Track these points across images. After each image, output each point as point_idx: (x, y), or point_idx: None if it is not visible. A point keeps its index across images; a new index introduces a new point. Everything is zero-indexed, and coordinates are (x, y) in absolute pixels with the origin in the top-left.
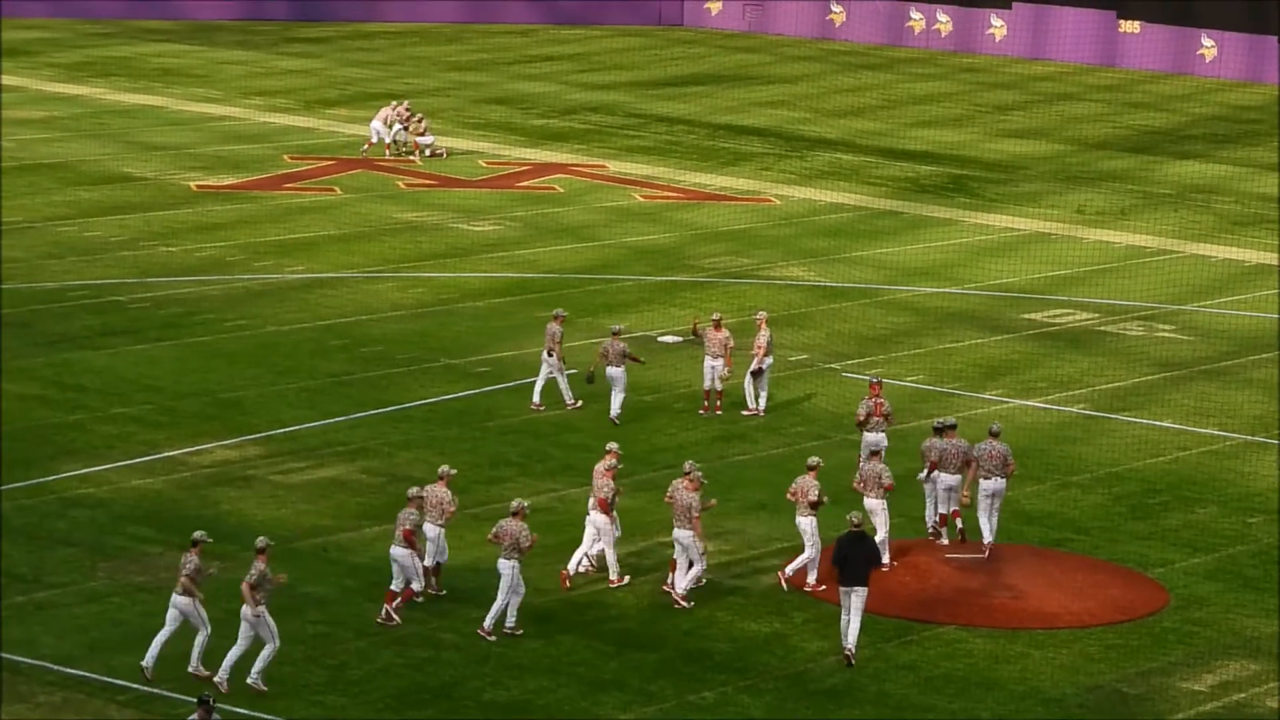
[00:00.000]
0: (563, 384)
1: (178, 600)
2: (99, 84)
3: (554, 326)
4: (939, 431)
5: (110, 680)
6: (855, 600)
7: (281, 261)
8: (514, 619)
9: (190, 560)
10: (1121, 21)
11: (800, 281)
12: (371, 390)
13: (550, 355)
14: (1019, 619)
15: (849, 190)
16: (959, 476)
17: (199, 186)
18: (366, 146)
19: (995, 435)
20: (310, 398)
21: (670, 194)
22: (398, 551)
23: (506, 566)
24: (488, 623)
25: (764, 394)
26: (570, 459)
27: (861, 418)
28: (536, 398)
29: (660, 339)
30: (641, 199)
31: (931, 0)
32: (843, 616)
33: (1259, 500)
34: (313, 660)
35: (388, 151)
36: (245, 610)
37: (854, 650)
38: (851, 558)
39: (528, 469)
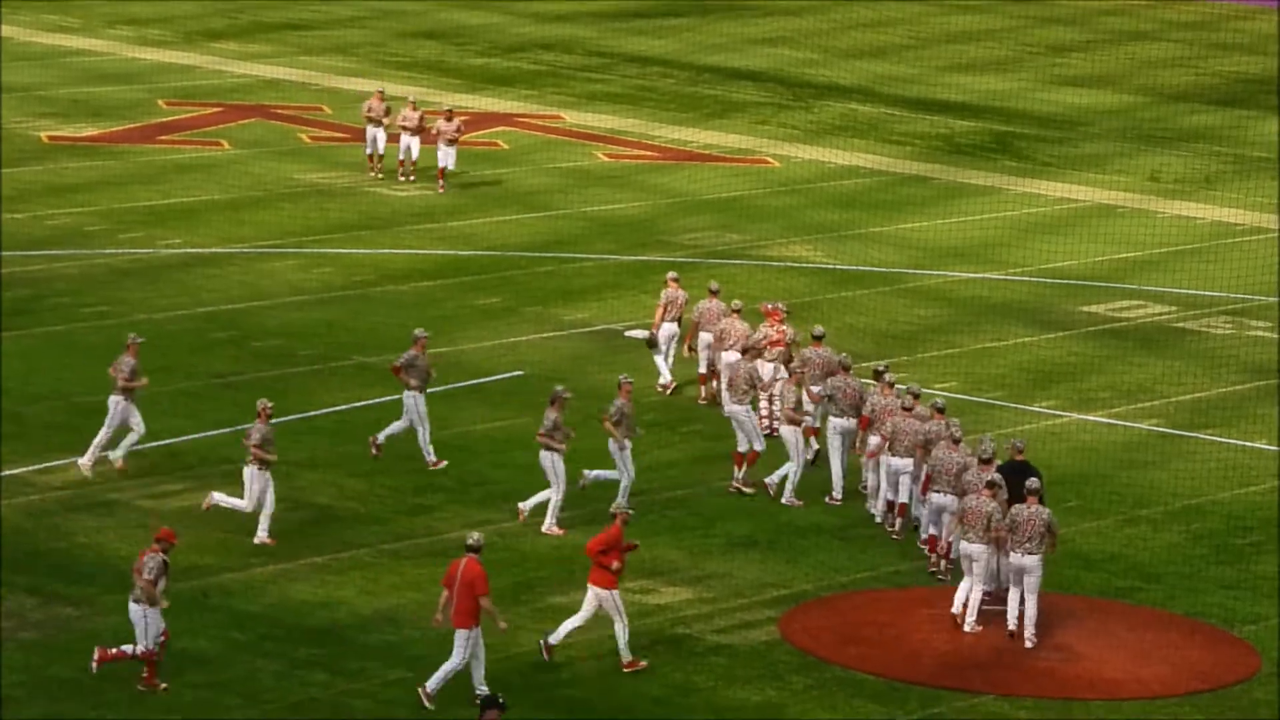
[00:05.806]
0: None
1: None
2: None
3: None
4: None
5: None
6: None
7: (154, 233)
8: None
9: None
10: None
11: (805, 264)
12: (266, 394)
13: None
14: (1072, 687)
15: (866, 150)
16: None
17: (51, 138)
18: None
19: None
20: (189, 403)
21: (642, 153)
22: None
23: (975, 550)
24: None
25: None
26: (514, 483)
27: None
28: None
29: (627, 333)
30: (606, 158)
31: None
32: None
33: None
34: None
35: (413, 177)
36: None
37: None
38: (1011, 487)
39: (461, 495)
